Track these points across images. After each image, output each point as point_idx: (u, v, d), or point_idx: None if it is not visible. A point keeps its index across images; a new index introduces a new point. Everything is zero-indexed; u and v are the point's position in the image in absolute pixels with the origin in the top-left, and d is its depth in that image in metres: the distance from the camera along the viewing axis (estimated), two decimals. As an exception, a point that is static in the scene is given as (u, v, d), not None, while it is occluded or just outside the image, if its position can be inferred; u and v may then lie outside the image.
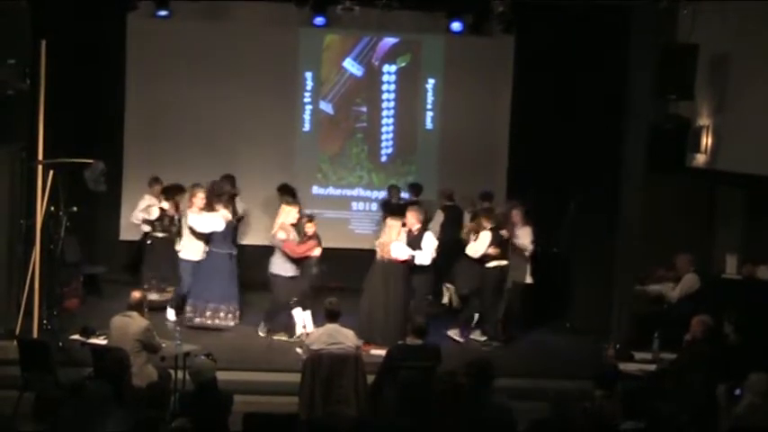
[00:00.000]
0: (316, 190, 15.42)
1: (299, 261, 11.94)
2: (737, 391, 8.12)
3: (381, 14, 13.69)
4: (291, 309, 11.93)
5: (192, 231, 12.32)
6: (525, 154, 14.78)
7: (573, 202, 13.42)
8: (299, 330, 11.84)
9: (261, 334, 12.06)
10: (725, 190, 11.90)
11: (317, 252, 12.19)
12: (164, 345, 9.47)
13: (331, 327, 9.27)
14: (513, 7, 12.57)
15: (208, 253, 12.30)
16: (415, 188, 14.77)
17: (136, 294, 9.59)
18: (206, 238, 12.28)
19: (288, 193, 13.59)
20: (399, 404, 7.23)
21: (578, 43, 13.28)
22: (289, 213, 11.92)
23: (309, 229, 12.27)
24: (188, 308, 12.23)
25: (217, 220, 12.19)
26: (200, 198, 12.26)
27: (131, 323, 9.21)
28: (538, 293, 13.58)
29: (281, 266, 11.86)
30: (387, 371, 8.89)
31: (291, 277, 11.89)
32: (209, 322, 12.16)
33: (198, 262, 12.34)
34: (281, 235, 11.82)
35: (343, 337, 9.23)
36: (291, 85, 15.42)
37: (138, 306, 9.40)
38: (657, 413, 6.97)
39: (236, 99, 14.99)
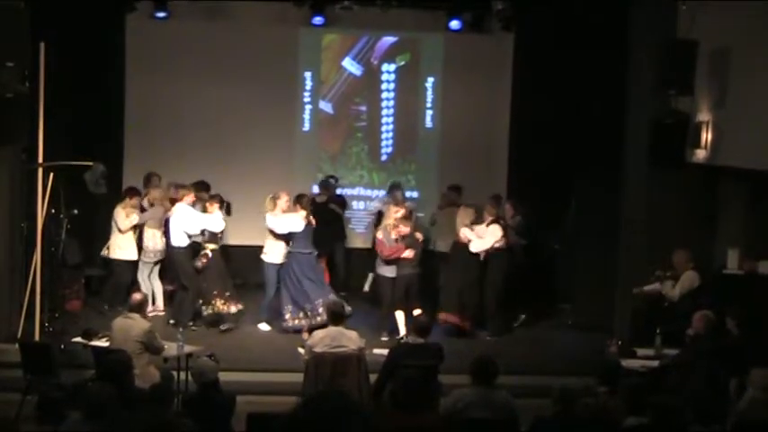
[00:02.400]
0: (316, 189, 15.40)
1: (394, 261, 12.15)
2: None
3: (380, 13, 13.71)
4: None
5: (273, 234, 12.33)
6: (526, 151, 14.77)
7: (574, 199, 13.43)
8: (401, 331, 11.95)
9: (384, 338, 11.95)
10: (726, 185, 11.89)
11: (407, 254, 12.12)
12: (165, 346, 9.47)
13: (334, 330, 9.23)
14: (512, 4, 12.57)
15: (290, 255, 12.32)
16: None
17: (137, 296, 9.61)
18: (286, 239, 12.31)
19: (204, 189, 13.52)
20: (399, 402, 7.20)
21: (578, 39, 13.27)
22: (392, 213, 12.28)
23: (404, 229, 12.19)
24: (286, 315, 12.17)
25: (296, 222, 12.25)
26: (284, 201, 12.36)
27: (133, 325, 9.21)
28: (541, 290, 13.64)
29: (381, 267, 12.23)
30: (389, 370, 8.88)
31: (392, 278, 12.15)
32: (309, 322, 12.03)
33: (281, 264, 12.33)
34: (379, 235, 12.20)
35: (347, 339, 9.19)
36: (291, 84, 15.41)
37: (140, 308, 9.40)
38: (661, 409, 6.96)
39: (236, 99, 14.98)
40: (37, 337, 10.98)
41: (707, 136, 11.27)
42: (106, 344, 9.56)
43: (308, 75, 15.49)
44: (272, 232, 12.32)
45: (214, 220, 12.36)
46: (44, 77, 10.99)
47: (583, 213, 13.31)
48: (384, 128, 15.65)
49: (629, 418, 7.10)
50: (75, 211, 11.49)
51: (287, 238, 12.29)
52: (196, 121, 14.96)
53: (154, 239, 12.81)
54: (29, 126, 11.06)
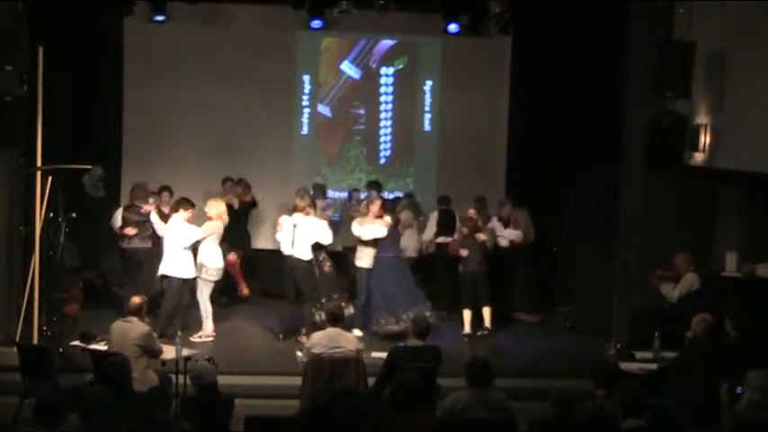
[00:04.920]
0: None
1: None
2: (739, 389, 8.11)
3: (378, 17, 13.69)
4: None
5: (360, 240, 12.45)
6: (524, 154, 14.79)
7: (571, 201, 13.42)
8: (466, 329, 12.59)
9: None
10: (724, 188, 11.90)
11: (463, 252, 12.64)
12: (164, 349, 9.46)
13: (332, 331, 9.25)
14: (510, 7, 12.58)
15: (377, 260, 12.43)
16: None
17: (135, 299, 9.56)
18: (374, 244, 12.42)
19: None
20: (398, 404, 7.20)
21: (575, 42, 13.28)
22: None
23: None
24: (380, 319, 12.25)
25: (378, 228, 12.36)
26: (377, 206, 12.46)
27: (132, 328, 9.20)
28: (538, 292, 13.66)
29: None
30: (388, 372, 8.88)
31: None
32: (400, 327, 12.04)
33: (370, 270, 12.43)
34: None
35: (345, 341, 9.21)
36: (289, 88, 15.42)
37: (138, 311, 9.39)
38: (658, 412, 6.96)
39: (234, 103, 14.97)
40: (35, 341, 10.97)
41: (705, 138, 11.28)
42: (104, 347, 9.56)
43: (306, 78, 15.49)
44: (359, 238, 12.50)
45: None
46: (42, 81, 10.99)
47: (581, 215, 13.31)
48: (382, 131, 15.66)
49: (626, 421, 7.09)
50: (74, 215, 11.47)
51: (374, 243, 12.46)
52: (194, 125, 14.96)
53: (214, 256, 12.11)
54: (27, 130, 11.05)
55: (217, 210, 12.04)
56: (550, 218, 13.88)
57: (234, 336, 12.27)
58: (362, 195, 14.23)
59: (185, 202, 11.95)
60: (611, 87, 12.31)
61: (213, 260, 11.95)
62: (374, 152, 15.66)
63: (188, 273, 11.80)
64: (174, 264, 11.75)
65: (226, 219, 12.09)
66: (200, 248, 11.89)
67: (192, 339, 11.46)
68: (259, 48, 15.04)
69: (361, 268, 12.48)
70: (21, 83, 10.26)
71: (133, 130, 14.98)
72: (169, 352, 9.52)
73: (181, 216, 11.84)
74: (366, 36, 15.40)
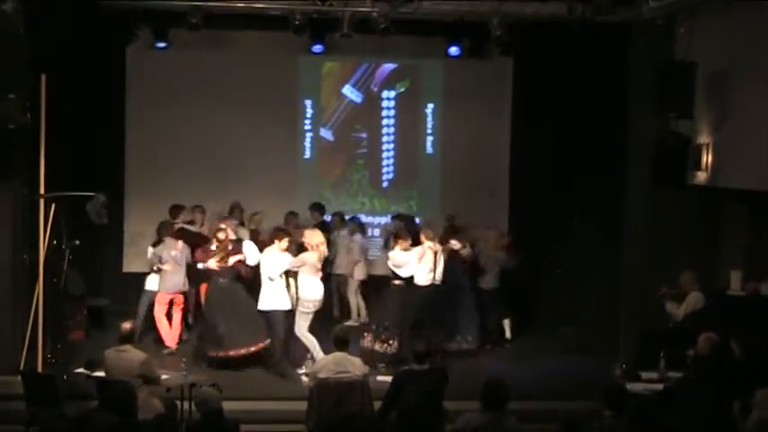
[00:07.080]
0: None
1: None
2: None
3: (379, 40, 13.73)
4: None
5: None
6: (527, 174, 14.79)
7: (575, 222, 13.42)
8: None
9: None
10: (728, 207, 11.89)
11: None
12: (164, 376, 9.39)
13: (339, 355, 9.22)
14: (511, 30, 12.61)
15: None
16: None
17: (126, 325, 9.37)
18: None
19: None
20: (404, 428, 7.17)
21: (577, 63, 13.31)
22: None
23: None
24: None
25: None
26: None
27: (127, 358, 9.07)
28: (544, 314, 13.62)
29: None
30: (394, 396, 8.85)
31: None
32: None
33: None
34: None
35: (351, 365, 9.18)
36: (291, 112, 15.45)
37: (131, 337, 9.27)
38: (668, 431, 6.93)
39: (237, 128, 15.00)
40: (40, 368, 10.95)
41: (707, 158, 11.29)
42: (108, 375, 9.51)
43: (308, 102, 15.53)
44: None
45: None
46: (45, 109, 11.02)
47: (585, 236, 13.31)
48: (385, 154, 15.68)
49: (634, 442, 7.07)
50: (77, 242, 11.47)
51: None
52: (197, 151, 14.98)
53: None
54: (30, 158, 11.09)
55: (314, 239, 11.65)
56: (555, 239, 13.87)
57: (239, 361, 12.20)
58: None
59: (281, 232, 11.77)
60: (613, 108, 12.33)
61: (309, 291, 11.51)
62: (377, 175, 15.67)
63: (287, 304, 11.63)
64: (274, 296, 11.57)
65: (324, 250, 11.72)
66: (298, 279, 11.58)
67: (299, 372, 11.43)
68: (261, 73, 15.09)
69: None
70: (24, 111, 10.29)
71: (136, 156, 15.01)
72: (174, 378, 9.45)
73: (277, 247, 11.56)
74: (367, 60, 15.45)
